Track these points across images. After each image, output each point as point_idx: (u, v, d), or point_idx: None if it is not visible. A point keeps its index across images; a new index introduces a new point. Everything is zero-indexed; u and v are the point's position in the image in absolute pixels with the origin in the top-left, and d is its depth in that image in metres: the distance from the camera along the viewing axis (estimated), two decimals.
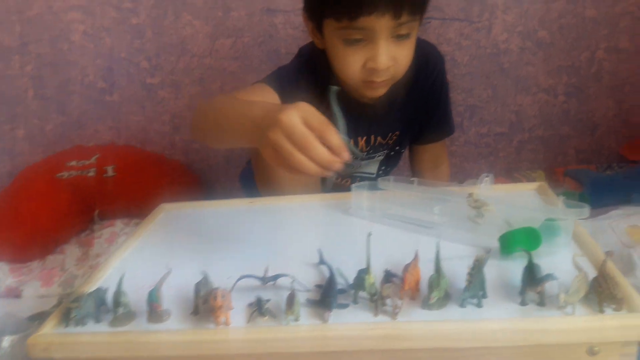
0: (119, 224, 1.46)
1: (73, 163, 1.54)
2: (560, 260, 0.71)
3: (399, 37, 0.94)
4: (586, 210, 0.78)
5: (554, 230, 0.76)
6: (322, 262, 0.77)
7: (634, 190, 1.39)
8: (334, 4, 0.91)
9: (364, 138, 1.14)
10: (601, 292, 0.61)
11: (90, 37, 1.62)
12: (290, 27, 1.56)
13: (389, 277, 0.63)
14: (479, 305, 0.63)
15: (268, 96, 0.98)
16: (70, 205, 1.44)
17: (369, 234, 0.68)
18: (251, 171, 1.22)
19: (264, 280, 0.71)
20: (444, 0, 1.54)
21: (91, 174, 1.52)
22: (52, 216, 1.40)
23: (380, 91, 1.01)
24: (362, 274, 0.66)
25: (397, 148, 1.24)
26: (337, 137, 0.67)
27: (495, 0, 1.54)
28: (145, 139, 1.69)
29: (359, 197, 0.95)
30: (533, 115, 1.63)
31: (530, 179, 1.62)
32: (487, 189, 0.92)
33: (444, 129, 1.26)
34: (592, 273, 0.64)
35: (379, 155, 1.22)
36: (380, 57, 0.93)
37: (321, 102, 0.88)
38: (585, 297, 0.62)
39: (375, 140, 1.16)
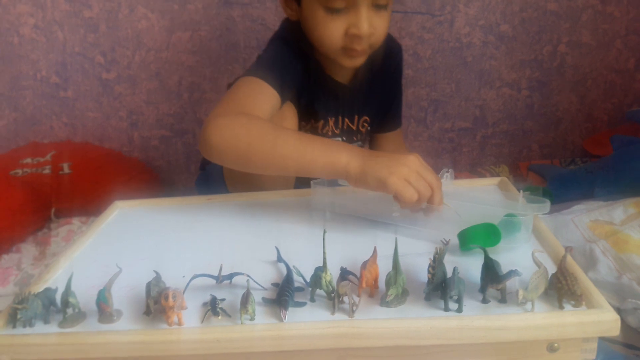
0: (76, 222, 1.41)
1: (28, 160, 1.49)
2: (520, 256, 0.71)
3: (378, 7, 0.98)
4: (547, 205, 0.78)
5: (514, 225, 0.75)
6: (279, 259, 0.75)
7: (597, 185, 1.40)
8: None
9: (333, 119, 1.15)
10: (560, 288, 0.60)
11: (41, 30, 1.56)
12: (248, 20, 1.52)
13: (345, 274, 0.61)
14: (459, 310, 0.60)
15: (267, 92, 0.97)
16: (25, 204, 1.38)
17: (324, 232, 0.66)
18: (207, 177, 1.21)
19: (219, 279, 0.68)
20: None
21: (46, 171, 1.46)
22: (6, 215, 1.34)
23: (359, 60, 1.03)
24: (319, 271, 0.64)
25: (369, 139, 1.26)
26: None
27: None
28: (103, 136, 1.64)
29: (319, 193, 0.93)
30: (497, 109, 1.64)
31: (494, 174, 1.63)
32: (447, 184, 0.90)
33: (400, 116, 1.32)
34: (552, 269, 0.63)
35: (354, 144, 1.21)
36: (362, 24, 0.95)
37: (308, 79, 1.03)
38: (545, 293, 0.61)
39: (343, 122, 1.16)
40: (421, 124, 1.64)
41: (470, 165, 1.68)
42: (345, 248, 0.75)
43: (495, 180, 0.98)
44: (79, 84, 1.60)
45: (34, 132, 1.64)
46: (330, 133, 1.16)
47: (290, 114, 1.04)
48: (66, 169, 1.48)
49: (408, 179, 0.78)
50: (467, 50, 1.58)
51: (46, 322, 0.66)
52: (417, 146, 1.66)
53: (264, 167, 0.89)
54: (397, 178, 0.77)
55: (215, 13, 1.53)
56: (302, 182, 1.17)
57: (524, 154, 1.69)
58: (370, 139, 1.30)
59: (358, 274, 0.63)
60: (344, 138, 1.18)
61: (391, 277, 0.62)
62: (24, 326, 0.65)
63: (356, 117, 1.17)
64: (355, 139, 1.21)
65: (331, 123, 1.14)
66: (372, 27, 0.97)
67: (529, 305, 0.60)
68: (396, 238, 0.66)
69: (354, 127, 1.18)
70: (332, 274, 0.64)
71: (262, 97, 0.95)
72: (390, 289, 0.61)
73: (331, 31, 0.98)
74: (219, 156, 0.90)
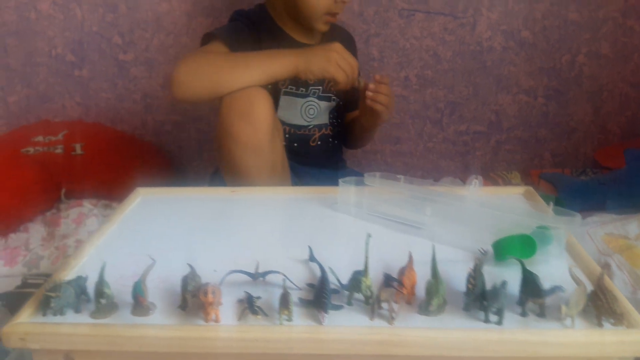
0: (86, 204, 1.39)
1: (39, 138, 1.47)
2: (553, 270, 0.71)
3: None
4: (578, 219, 0.78)
5: (546, 238, 0.75)
6: (312, 259, 0.74)
7: (609, 197, 1.41)
8: None
9: None
10: (600, 306, 0.60)
11: (59, 7, 1.54)
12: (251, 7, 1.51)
13: (388, 281, 0.61)
14: (499, 322, 0.60)
15: (220, 48, 1.13)
16: (36, 183, 1.36)
17: (369, 235, 0.66)
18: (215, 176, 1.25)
19: (255, 276, 0.68)
20: None
21: (58, 150, 1.45)
22: (16, 192, 1.32)
23: (328, 27, 1.22)
24: (359, 275, 0.64)
25: (339, 101, 1.35)
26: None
27: None
28: (115, 118, 1.62)
29: (346, 192, 0.92)
30: (512, 115, 1.64)
31: (506, 180, 1.63)
32: (475, 191, 0.90)
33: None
34: (587, 284, 0.64)
35: (327, 102, 1.31)
36: None
37: (272, 41, 1.21)
38: (583, 310, 0.61)
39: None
40: (437, 125, 1.64)
41: (482, 169, 1.69)
42: (374, 251, 0.75)
43: (521, 189, 0.98)
44: (95, 63, 1.57)
45: (45, 110, 1.62)
46: (310, 89, 1.28)
47: (264, 100, 1.06)
48: (78, 149, 1.46)
49: (338, 63, 1.07)
50: (487, 55, 1.58)
51: (77, 311, 0.65)
52: (431, 147, 1.66)
53: (233, 82, 1.04)
54: (335, 68, 1.07)
55: (237, 0, 1.51)
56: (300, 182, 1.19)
57: (536, 162, 1.69)
58: (342, 121, 1.39)
59: (399, 281, 0.63)
60: (321, 94, 1.29)
61: (432, 286, 0.62)
62: (55, 314, 0.64)
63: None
64: (329, 101, 1.32)
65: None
66: None
67: (568, 321, 0.60)
68: (433, 245, 0.66)
69: (324, 86, 1.29)
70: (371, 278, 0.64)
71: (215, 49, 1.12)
72: (434, 299, 0.61)
73: None
74: (190, 88, 1.06)
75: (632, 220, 1.24)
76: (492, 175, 1.67)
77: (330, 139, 1.34)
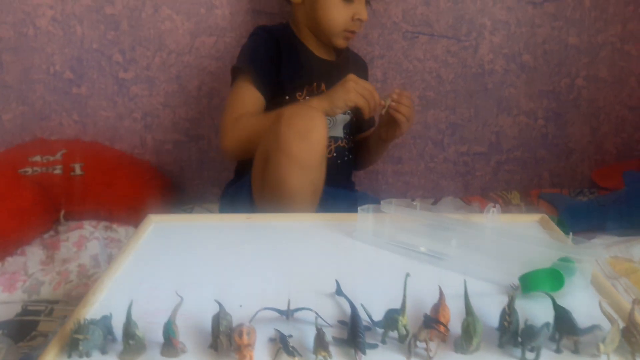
0: (87, 226, 1.36)
1: (37, 158, 1.44)
2: (579, 303, 0.71)
3: (367, 1, 1.28)
4: (600, 251, 0.79)
5: (570, 270, 0.75)
6: (339, 293, 0.73)
7: (609, 218, 1.43)
8: None
9: (322, 85, 1.32)
10: (635, 342, 0.60)
11: (59, 23, 1.51)
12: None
13: (429, 322, 0.60)
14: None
15: (252, 94, 1.25)
16: (35, 204, 1.33)
17: (407, 275, 0.65)
18: (233, 194, 1.26)
19: (288, 314, 0.66)
20: (434, 16, 1.53)
21: (57, 171, 1.42)
22: (14, 215, 1.29)
23: (347, 43, 1.32)
24: (395, 314, 0.63)
25: (352, 117, 1.39)
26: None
27: (484, 21, 1.54)
28: (114, 136, 1.59)
29: (365, 220, 0.92)
30: (512, 136, 1.65)
31: (506, 200, 1.65)
32: (493, 219, 0.91)
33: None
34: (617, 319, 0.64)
35: (342, 115, 1.34)
36: (365, 12, 1.26)
37: (296, 56, 1.31)
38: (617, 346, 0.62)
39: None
40: (438, 146, 1.65)
41: (482, 189, 1.70)
42: (398, 282, 0.74)
43: (536, 217, 0.99)
44: (94, 81, 1.55)
45: (41, 128, 1.59)
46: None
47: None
48: (78, 170, 1.44)
49: (356, 90, 1.14)
50: (489, 77, 1.59)
51: (104, 352, 0.62)
52: (432, 167, 1.66)
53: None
54: (354, 95, 1.14)
55: (242, 20, 1.51)
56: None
57: (535, 182, 1.71)
58: (354, 143, 1.43)
59: (424, 316, 0.62)
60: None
61: (470, 324, 0.61)
62: (81, 356, 0.61)
63: None
64: (345, 112, 1.35)
65: (323, 88, 1.32)
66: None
67: (604, 358, 0.60)
68: (465, 281, 0.66)
69: (353, 116, 1.36)
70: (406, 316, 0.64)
71: (249, 98, 1.24)
72: (474, 338, 0.60)
73: (343, 15, 1.24)
74: (238, 154, 1.25)
75: (635, 243, 1.26)
76: (492, 194, 1.69)
77: (346, 152, 1.37)
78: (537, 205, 1.61)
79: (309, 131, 1.04)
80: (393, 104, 1.20)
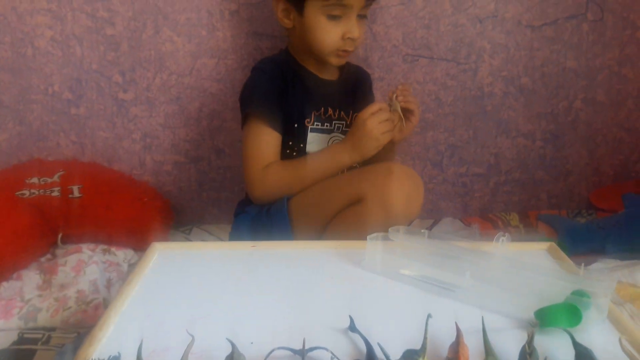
0: (85, 250, 1.34)
1: (34, 180, 1.42)
2: (596, 338, 0.71)
3: (361, 17, 1.24)
4: (613, 284, 0.79)
5: (584, 304, 0.75)
6: (352, 329, 0.73)
7: (608, 241, 1.43)
8: None
9: (329, 109, 1.32)
10: None
11: (58, 44, 1.50)
12: (276, 52, 1.50)
13: None
14: None
15: (269, 134, 1.24)
16: (31, 228, 1.31)
17: (429, 316, 0.64)
18: (243, 216, 1.28)
19: (303, 353, 0.66)
20: (434, 39, 1.54)
21: (55, 193, 1.40)
22: (11, 238, 1.26)
23: (344, 60, 1.29)
24: (415, 355, 0.62)
25: None
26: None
27: (483, 44, 1.55)
28: (113, 157, 1.58)
29: (373, 249, 0.91)
30: (511, 158, 1.66)
31: (505, 221, 1.65)
32: (503, 248, 0.90)
33: None
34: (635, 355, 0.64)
35: None
36: (355, 29, 1.21)
37: (300, 83, 1.29)
38: None
39: (339, 112, 1.33)
40: (437, 167, 1.65)
41: (481, 210, 1.70)
42: (410, 315, 0.73)
43: (544, 245, 0.99)
44: (93, 102, 1.54)
45: (38, 148, 1.57)
46: (334, 124, 1.33)
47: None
48: (76, 192, 1.42)
49: (379, 130, 1.16)
50: (488, 100, 1.60)
51: None
52: (432, 188, 1.67)
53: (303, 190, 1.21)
54: (381, 137, 1.16)
55: (243, 43, 1.50)
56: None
57: (533, 203, 1.71)
58: None
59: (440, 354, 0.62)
60: (345, 129, 1.34)
61: None
62: None
63: (350, 112, 1.34)
64: None
65: (330, 112, 1.32)
66: (359, 32, 1.22)
67: None
68: (482, 317, 0.65)
69: (348, 120, 1.35)
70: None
71: (268, 141, 1.24)
72: None
73: (332, 34, 1.21)
74: (268, 200, 1.25)
75: (638, 267, 1.26)
76: (491, 215, 1.69)
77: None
78: (536, 227, 1.62)
79: (417, 198, 1.13)
80: (400, 97, 1.20)
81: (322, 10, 1.19)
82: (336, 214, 1.16)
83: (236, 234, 1.30)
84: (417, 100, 1.23)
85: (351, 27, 1.21)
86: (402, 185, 1.10)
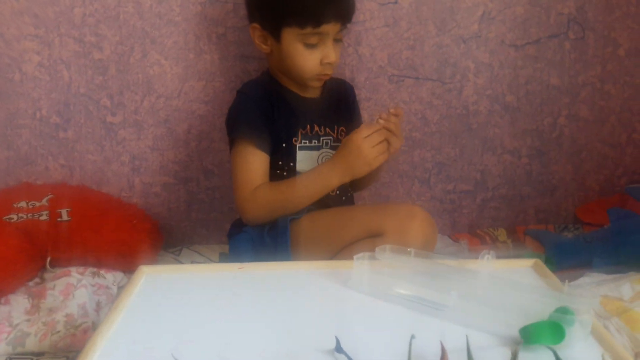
0: (74, 273, 1.34)
1: (22, 204, 1.42)
2: (579, 355, 0.71)
3: (336, 41, 1.26)
4: (596, 300, 0.80)
5: (568, 321, 0.76)
6: (339, 350, 0.73)
7: (595, 255, 1.44)
8: (301, 15, 1.19)
9: (315, 126, 1.34)
10: None
11: (45, 69, 1.51)
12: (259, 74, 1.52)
13: None
14: None
15: (256, 155, 1.26)
16: (21, 252, 1.31)
17: (412, 337, 0.65)
18: (241, 235, 1.27)
19: None
20: (419, 60, 1.57)
21: (43, 217, 1.40)
22: (0, 265, 1.26)
23: (321, 83, 1.32)
24: None
25: None
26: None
27: (468, 63, 1.58)
28: (101, 180, 1.58)
29: (360, 269, 0.92)
30: (497, 174, 1.68)
31: (493, 237, 1.66)
32: (487, 266, 0.91)
33: None
34: None
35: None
36: (332, 55, 1.24)
37: (284, 103, 1.31)
38: None
39: (325, 128, 1.35)
40: (424, 185, 1.67)
41: (468, 226, 1.71)
42: (397, 335, 0.74)
43: (529, 262, 1.00)
44: (81, 125, 1.54)
45: (26, 172, 1.57)
46: (322, 140, 1.34)
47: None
48: (65, 215, 1.42)
49: (372, 150, 1.17)
50: (473, 118, 1.62)
51: None
52: (420, 206, 1.67)
53: (293, 212, 1.23)
54: (372, 156, 1.18)
55: (231, 65, 1.52)
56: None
57: (520, 218, 1.73)
58: None
59: None
60: (333, 144, 1.35)
61: None
62: None
63: (335, 127, 1.36)
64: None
65: (317, 128, 1.33)
66: (336, 56, 1.25)
67: None
68: (467, 336, 0.66)
69: (335, 135, 1.36)
70: None
71: (256, 163, 1.25)
72: None
73: (310, 61, 1.24)
74: (260, 222, 1.26)
75: (624, 281, 1.27)
76: (479, 231, 1.70)
77: (348, 189, 1.39)
78: (523, 242, 1.63)
79: (433, 243, 1.20)
80: (381, 121, 1.19)
81: (299, 38, 1.21)
82: (349, 243, 1.17)
83: (235, 254, 1.29)
84: (398, 121, 1.22)
85: (328, 52, 1.23)
86: (422, 229, 1.14)
